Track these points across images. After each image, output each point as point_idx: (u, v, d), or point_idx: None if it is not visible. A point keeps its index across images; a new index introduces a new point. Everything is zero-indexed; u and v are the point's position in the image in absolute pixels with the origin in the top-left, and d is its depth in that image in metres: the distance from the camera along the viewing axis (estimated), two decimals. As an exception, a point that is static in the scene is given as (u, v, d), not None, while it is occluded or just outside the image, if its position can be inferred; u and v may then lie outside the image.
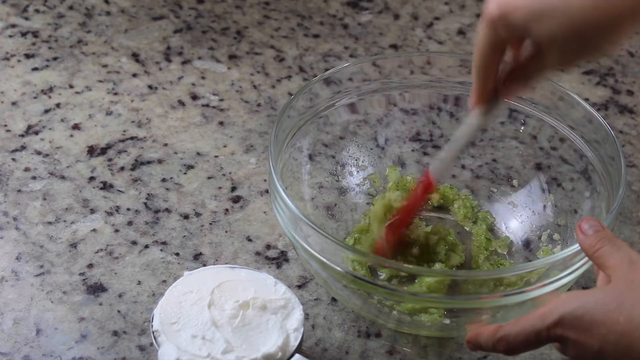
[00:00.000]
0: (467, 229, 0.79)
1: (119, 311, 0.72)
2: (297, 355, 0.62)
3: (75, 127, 0.90)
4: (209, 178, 0.85)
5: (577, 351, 0.55)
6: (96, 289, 0.74)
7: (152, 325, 0.64)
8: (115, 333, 0.71)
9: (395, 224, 0.72)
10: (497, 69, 0.62)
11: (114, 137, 0.89)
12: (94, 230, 0.79)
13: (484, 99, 0.64)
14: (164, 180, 0.84)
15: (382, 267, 0.72)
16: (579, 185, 0.76)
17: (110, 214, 0.80)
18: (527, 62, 0.61)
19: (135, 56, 0.99)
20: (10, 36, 1.01)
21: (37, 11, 1.05)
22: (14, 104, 0.92)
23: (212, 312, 0.64)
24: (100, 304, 0.73)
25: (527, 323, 0.57)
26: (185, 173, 0.85)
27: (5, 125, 0.89)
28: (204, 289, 0.65)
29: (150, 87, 0.95)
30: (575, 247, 0.63)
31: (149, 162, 0.86)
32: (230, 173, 0.85)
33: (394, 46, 1.03)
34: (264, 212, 0.81)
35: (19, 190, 0.82)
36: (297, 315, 0.64)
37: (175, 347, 0.62)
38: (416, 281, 0.69)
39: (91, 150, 0.87)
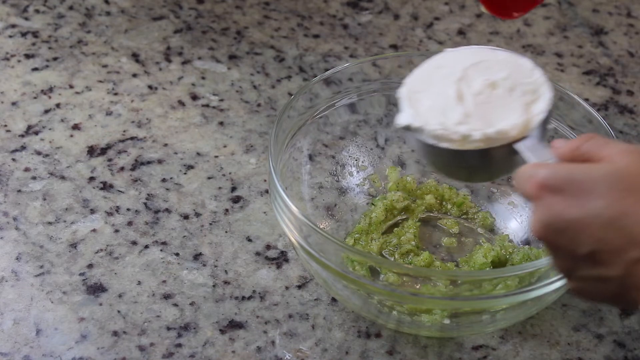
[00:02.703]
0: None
1: (119, 311, 0.72)
2: (531, 137, 0.60)
3: (75, 127, 0.90)
4: (209, 178, 0.85)
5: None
6: (96, 289, 0.74)
7: (399, 92, 0.64)
8: (115, 333, 0.71)
9: None
10: None
11: (114, 137, 0.89)
12: (94, 230, 0.79)
13: None
14: (164, 180, 0.84)
15: (383, 268, 0.72)
16: (579, 185, 0.76)
17: (110, 214, 0.80)
18: None
19: (135, 56, 0.99)
20: (10, 36, 1.01)
21: (37, 11, 1.05)
22: (14, 104, 0.92)
23: (458, 86, 0.63)
24: (100, 304, 0.73)
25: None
26: (185, 173, 0.85)
27: (5, 125, 0.89)
28: (458, 65, 0.64)
29: (150, 87, 0.95)
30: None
31: (149, 162, 0.86)
32: (230, 173, 0.85)
33: (394, 46, 1.03)
34: (264, 212, 0.81)
35: (19, 191, 0.82)
36: (545, 100, 0.61)
37: (411, 113, 0.62)
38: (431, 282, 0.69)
39: (91, 151, 0.87)
